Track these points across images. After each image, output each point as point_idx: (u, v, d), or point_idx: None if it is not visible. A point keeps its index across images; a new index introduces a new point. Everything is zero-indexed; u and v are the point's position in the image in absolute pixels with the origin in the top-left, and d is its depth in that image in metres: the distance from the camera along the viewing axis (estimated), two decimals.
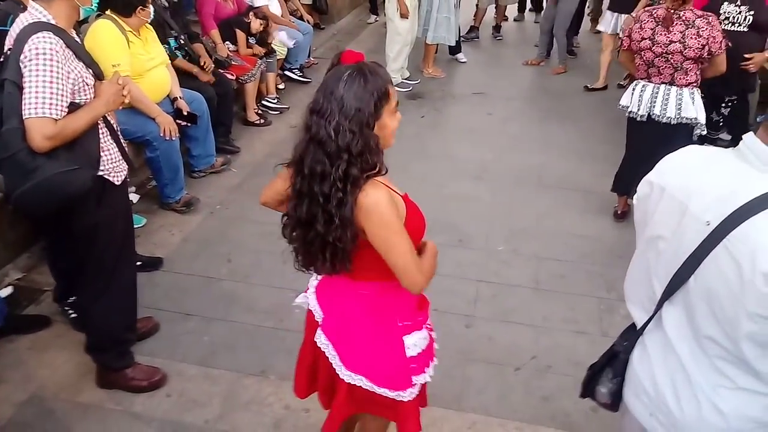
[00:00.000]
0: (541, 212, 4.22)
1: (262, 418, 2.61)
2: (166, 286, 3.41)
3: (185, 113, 4.09)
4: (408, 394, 1.81)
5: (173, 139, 3.88)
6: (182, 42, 4.57)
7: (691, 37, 3.41)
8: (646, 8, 3.72)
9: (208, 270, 3.56)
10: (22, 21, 2.18)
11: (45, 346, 2.98)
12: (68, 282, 2.98)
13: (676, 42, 3.44)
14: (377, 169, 1.58)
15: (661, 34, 3.47)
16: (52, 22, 2.18)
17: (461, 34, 7.93)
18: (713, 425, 1.34)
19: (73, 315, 3.08)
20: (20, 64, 2.10)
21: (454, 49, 7.45)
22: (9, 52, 2.15)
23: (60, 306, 3.13)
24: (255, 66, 5.40)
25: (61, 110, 2.14)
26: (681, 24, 3.43)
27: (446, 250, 3.73)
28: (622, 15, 6.23)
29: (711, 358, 1.32)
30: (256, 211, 4.20)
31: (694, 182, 1.34)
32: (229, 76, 5.13)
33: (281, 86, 6.40)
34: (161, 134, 3.82)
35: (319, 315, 1.86)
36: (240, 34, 5.42)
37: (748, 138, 1.29)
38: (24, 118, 2.10)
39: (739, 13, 4.05)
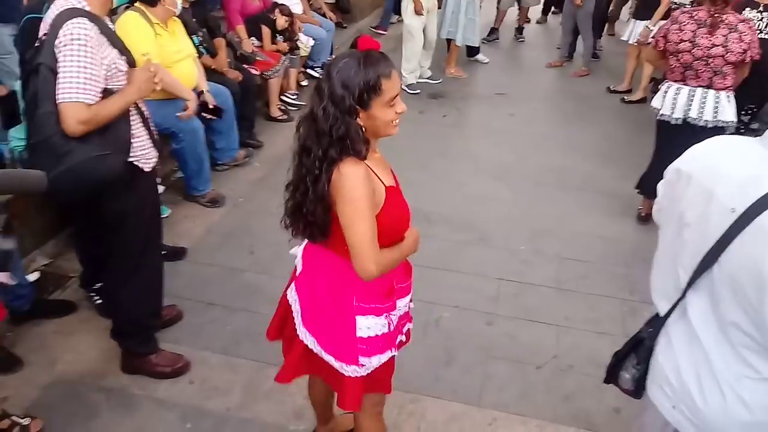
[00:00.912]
0: (562, 213, 4.21)
1: (283, 407, 2.62)
2: (190, 276, 3.44)
3: (211, 107, 4.12)
4: (351, 370, 1.85)
5: (190, 116, 3.82)
6: (202, 37, 4.62)
7: (734, 42, 3.36)
8: (685, 10, 3.66)
9: (231, 261, 3.59)
10: (57, 7, 2.20)
11: (70, 330, 3.02)
12: (95, 268, 3.02)
13: (718, 46, 3.38)
14: (360, 154, 1.63)
15: (702, 37, 3.41)
16: (87, 8, 2.20)
17: (482, 37, 8.00)
18: (737, 417, 1.33)
19: (98, 301, 3.12)
20: (55, 49, 2.12)
21: (473, 51, 7.45)
22: (44, 37, 2.17)
23: (86, 292, 3.18)
24: (279, 62, 5.44)
25: (95, 95, 2.17)
26: (724, 28, 3.38)
27: (466, 248, 3.76)
28: (640, 22, 6.21)
29: (735, 347, 1.31)
30: (278, 204, 4.22)
31: (720, 169, 1.35)
32: (254, 71, 5.17)
33: (304, 83, 6.44)
34: (180, 116, 3.77)
35: (299, 269, 1.94)
36: (265, 30, 5.46)
37: None
38: (58, 102, 2.12)
39: (761, 19, 3.99)
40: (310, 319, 1.88)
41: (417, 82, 6.52)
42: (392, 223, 1.73)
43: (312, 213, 1.69)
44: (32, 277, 3.27)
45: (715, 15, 3.39)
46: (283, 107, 5.73)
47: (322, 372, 1.97)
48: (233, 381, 2.75)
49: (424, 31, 6.34)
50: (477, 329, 3.09)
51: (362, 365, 1.84)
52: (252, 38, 5.43)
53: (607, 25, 8.49)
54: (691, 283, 1.38)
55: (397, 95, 1.64)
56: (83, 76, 2.14)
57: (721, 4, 3.37)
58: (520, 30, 8.69)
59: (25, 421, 2.42)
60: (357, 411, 1.96)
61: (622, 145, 5.29)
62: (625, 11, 8.86)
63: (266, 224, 3.96)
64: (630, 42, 6.40)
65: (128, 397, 2.65)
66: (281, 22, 5.51)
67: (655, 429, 1.57)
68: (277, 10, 5.53)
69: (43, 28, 2.24)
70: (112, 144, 2.27)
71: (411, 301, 2.09)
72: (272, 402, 2.65)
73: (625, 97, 6.45)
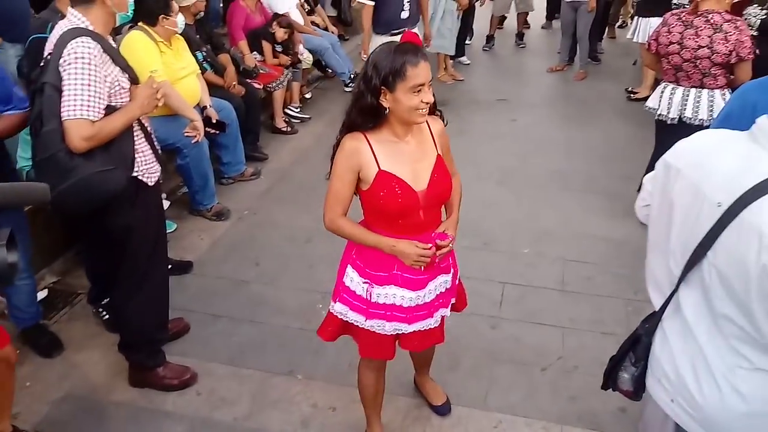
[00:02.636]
0: (566, 216, 4.22)
1: (290, 416, 2.64)
2: (196, 289, 3.48)
3: (214, 121, 4.18)
4: (330, 306, 2.18)
5: (198, 141, 3.92)
6: (205, 53, 4.69)
7: (719, 42, 3.35)
8: (674, 11, 3.68)
9: (237, 273, 3.63)
10: (61, 27, 2.26)
11: (79, 346, 3.06)
12: (103, 284, 3.06)
13: (704, 47, 3.39)
14: (353, 126, 1.91)
15: (689, 39, 3.42)
16: (90, 28, 2.26)
17: (483, 45, 8.32)
18: (734, 408, 1.34)
19: (106, 316, 3.16)
20: (60, 68, 2.18)
21: (457, 54, 7.60)
22: (49, 56, 2.23)
23: (94, 307, 3.22)
24: (282, 74, 5.50)
25: (98, 112, 2.22)
26: (709, 28, 3.39)
27: (471, 253, 3.76)
28: (649, 19, 6.22)
29: (728, 339, 1.32)
30: (283, 216, 4.32)
31: (707, 164, 1.36)
32: (257, 86, 5.23)
33: (308, 95, 6.50)
34: (186, 133, 3.84)
35: None
36: (266, 45, 5.52)
37: (761, 120, 1.30)
38: (63, 119, 2.17)
39: (755, 15, 3.97)
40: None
41: None
42: (381, 204, 1.94)
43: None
44: (39, 295, 3.31)
45: (697, 1, 3.40)
46: (287, 119, 5.78)
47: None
48: (240, 391, 2.77)
49: None
50: (482, 333, 3.10)
51: (335, 305, 2.14)
52: (254, 53, 5.49)
53: (607, 29, 8.53)
54: (683, 278, 1.39)
55: (423, 85, 1.81)
56: (87, 94, 2.19)
57: None
58: (520, 36, 8.75)
59: None
60: (322, 338, 2.27)
61: (624, 145, 5.31)
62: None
63: (271, 236, 4.01)
64: (636, 41, 6.37)
65: (137, 411, 2.68)
66: (280, 33, 5.55)
67: (655, 423, 1.58)
68: (275, 23, 5.58)
69: (48, 48, 2.30)
70: (116, 159, 2.32)
71: (424, 311, 2.11)
72: (279, 411, 2.67)
73: (632, 95, 6.45)
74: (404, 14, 4.96)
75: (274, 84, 5.42)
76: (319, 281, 3.47)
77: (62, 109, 2.17)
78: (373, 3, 4.93)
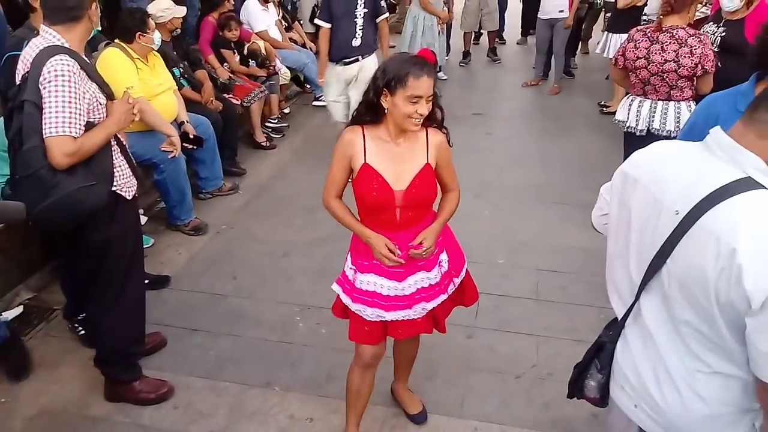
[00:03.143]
0: (541, 227, 4.29)
1: (266, 428, 2.65)
2: (173, 303, 3.48)
3: (192, 137, 4.20)
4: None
5: (175, 156, 3.95)
6: (182, 69, 4.72)
7: (685, 56, 3.46)
8: (640, 27, 3.79)
9: (214, 287, 3.63)
10: (36, 45, 2.28)
11: (55, 362, 3.04)
12: (79, 299, 3.04)
13: (670, 61, 3.50)
14: (355, 119, 2.12)
15: (656, 53, 3.53)
16: (66, 45, 2.28)
17: (459, 60, 8.39)
18: (696, 412, 1.37)
19: (82, 332, 3.15)
20: (39, 85, 2.20)
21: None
22: (26, 75, 2.24)
23: (70, 323, 3.20)
24: (257, 87, 5.53)
25: (79, 129, 2.24)
26: (674, 43, 3.50)
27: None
28: (620, 35, 6.37)
29: (687, 344, 1.36)
30: (261, 230, 4.34)
31: (664, 174, 1.40)
32: (234, 101, 5.26)
33: (287, 110, 6.55)
34: (163, 148, 3.88)
35: None
36: (225, 52, 5.54)
37: (715, 131, 1.35)
38: (45, 136, 2.19)
39: (714, 33, 4.08)
40: None
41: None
42: (360, 194, 2.12)
43: None
44: (13, 313, 3.29)
45: (660, 17, 3.52)
46: (266, 134, 5.81)
47: None
48: (217, 404, 2.77)
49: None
50: (458, 343, 3.14)
51: (334, 284, 2.32)
52: (225, 65, 5.53)
53: (580, 44, 8.70)
54: (643, 286, 1.42)
55: (420, 97, 1.96)
56: (68, 111, 2.22)
57: (667, 8, 3.50)
58: (493, 51, 8.90)
59: None
60: (334, 314, 2.42)
61: (598, 157, 5.40)
62: (597, 30, 9.13)
63: (249, 250, 4.02)
64: (606, 56, 6.50)
65: (113, 425, 2.67)
66: (230, 34, 5.55)
67: (620, 428, 1.61)
68: (219, 28, 5.53)
69: (22, 67, 2.31)
70: (96, 174, 2.35)
71: (403, 302, 2.23)
72: (255, 423, 2.67)
73: (604, 109, 6.59)
74: (356, 41, 4.87)
75: (249, 97, 5.44)
76: (297, 294, 3.49)
77: (44, 127, 2.19)
78: (329, 26, 4.90)
